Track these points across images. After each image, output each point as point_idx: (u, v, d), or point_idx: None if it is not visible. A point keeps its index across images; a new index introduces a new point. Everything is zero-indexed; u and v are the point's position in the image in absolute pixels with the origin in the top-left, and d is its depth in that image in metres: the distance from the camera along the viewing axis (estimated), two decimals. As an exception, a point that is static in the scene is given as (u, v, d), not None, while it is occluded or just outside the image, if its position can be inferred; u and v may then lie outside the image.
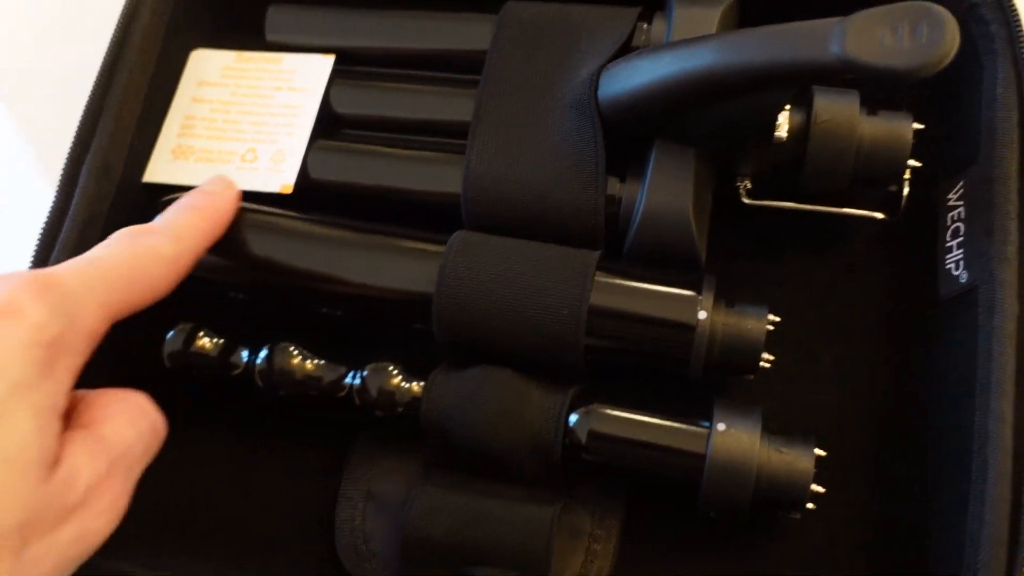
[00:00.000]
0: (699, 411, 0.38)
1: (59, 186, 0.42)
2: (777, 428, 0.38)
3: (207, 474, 0.44)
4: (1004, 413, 0.35)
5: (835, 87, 0.40)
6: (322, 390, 0.41)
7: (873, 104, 0.40)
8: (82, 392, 0.36)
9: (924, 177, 0.41)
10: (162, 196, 0.43)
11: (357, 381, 0.41)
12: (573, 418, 0.38)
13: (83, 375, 0.36)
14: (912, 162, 0.40)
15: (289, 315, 0.43)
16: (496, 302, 0.38)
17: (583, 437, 0.38)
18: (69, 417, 0.35)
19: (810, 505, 0.37)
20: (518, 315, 0.38)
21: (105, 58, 0.43)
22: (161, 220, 0.39)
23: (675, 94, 0.37)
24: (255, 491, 0.43)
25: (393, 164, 0.44)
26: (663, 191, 0.39)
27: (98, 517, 0.32)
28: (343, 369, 0.41)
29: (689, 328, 0.37)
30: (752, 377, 0.39)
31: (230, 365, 0.42)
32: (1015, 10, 0.39)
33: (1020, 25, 0.39)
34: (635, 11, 0.42)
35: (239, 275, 0.42)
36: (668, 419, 0.38)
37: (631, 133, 0.40)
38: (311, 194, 0.44)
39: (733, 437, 0.37)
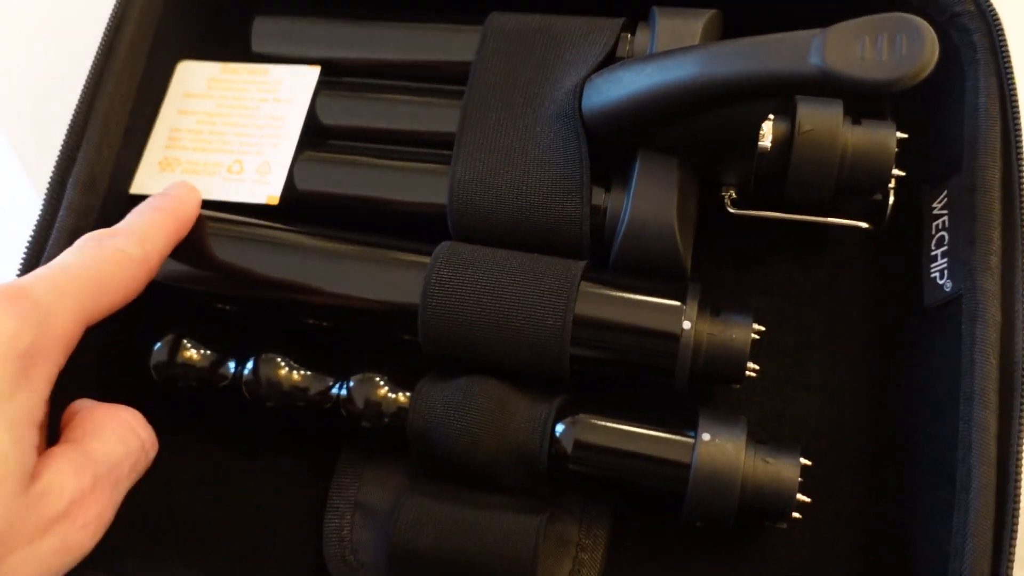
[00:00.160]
0: (684, 420, 0.38)
1: (45, 198, 0.42)
2: (762, 437, 0.38)
3: (196, 484, 0.44)
4: (987, 423, 0.35)
5: (818, 97, 0.40)
6: (309, 401, 0.41)
7: (857, 114, 0.40)
8: (76, 405, 0.36)
9: (909, 186, 0.41)
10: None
11: (343, 392, 0.41)
12: (559, 428, 0.38)
13: (70, 388, 0.36)
14: (896, 171, 0.40)
15: (276, 326, 0.43)
16: (482, 313, 0.38)
17: (569, 447, 0.38)
18: (60, 431, 0.35)
19: (796, 515, 0.37)
20: (504, 326, 0.38)
21: (91, 70, 0.43)
22: (126, 223, 0.39)
23: (658, 105, 0.37)
24: (243, 501, 0.43)
25: (379, 175, 0.44)
26: (648, 201, 0.39)
27: (81, 530, 0.33)
28: (330, 380, 0.41)
29: (673, 338, 0.37)
30: (738, 386, 0.39)
31: (217, 377, 0.42)
32: (997, 19, 0.39)
33: (1003, 35, 0.39)
34: (619, 22, 0.42)
35: (225, 288, 0.42)
36: (653, 429, 0.38)
37: (616, 143, 0.40)
38: (297, 205, 0.44)
39: (718, 447, 0.37)
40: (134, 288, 0.37)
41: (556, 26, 0.43)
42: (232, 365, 0.42)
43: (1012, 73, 0.39)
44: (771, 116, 0.40)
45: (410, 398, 0.40)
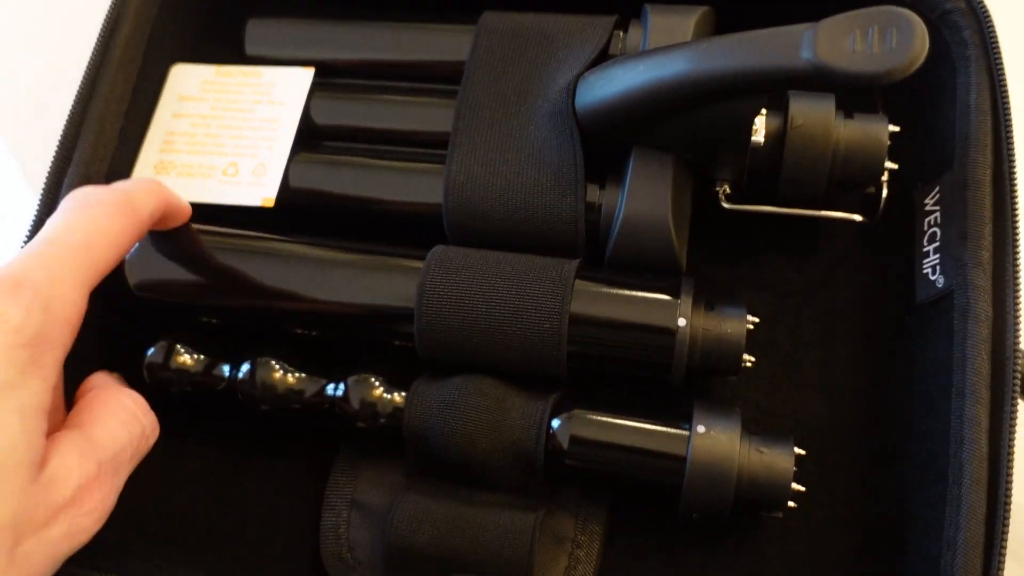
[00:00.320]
0: (679, 413, 0.38)
1: (41, 199, 0.42)
2: (756, 430, 0.38)
3: (194, 485, 0.44)
4: (979, 418, 0.35)
5: (810, 91, 0.40)
6: (304, 403, 0.41)
7: (849, 108, 0.41)
8: (80, 390, 0.37)
9: (902, 182, 0.42)
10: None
11: (339, 393, 0.41)
12: (555, 424, 0.38)
13: (68, 391, 0.36)
14: (889, 164, 0.40)
15: (271, 333, 0.43)
16: (477, 318, 0.38)
17: (565, 442, 0.38)
18: (63, 416, 0.35)
19: (791, 504, 0.37)
20: (499, 331, 0.38)
21: (86, 71, 0.43)
22: (106, 186, 0.38)
23: (651, 101, 0.37)
24: (241, 501, 0.43)
25: (374, 176, 0.44)
26: (642, 198, 0.39)
27: (87, 515, 0.33)
28: (325, 381, 0.41)
29: (669, 333, 0.37)
30: (735, 378, 0.39)
31: (212, 380, 0.42)
32: (988, 16, 0.40)
33: (993, 31, 0.39)
34: (611, 20, 0.43)
35: (218, 300, 0.42)
36: (648, 423, 0.38)
37: (609, 140, 0.40)
38: (293, 208, 0.44)
39: (713, 439, 0.37)
40: (126, 242, 0.36)
41: (549, 25, 0.43)
42: (227, 369, 0.42)
43: (1003, 69, 0.39)
44: (764, 111, 0.40)
45: (405, 398, 0.40)
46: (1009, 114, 0.39)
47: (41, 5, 0.59)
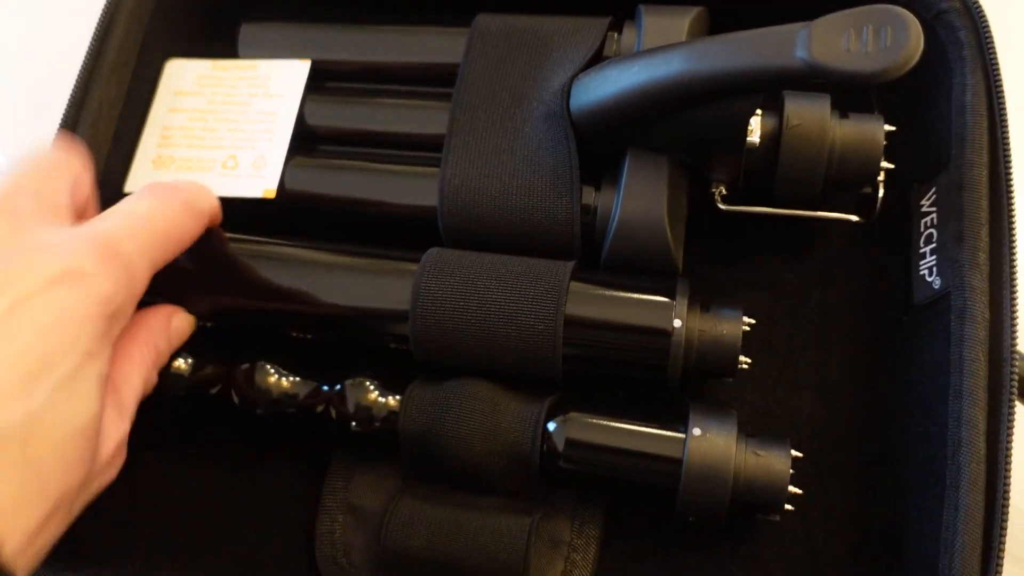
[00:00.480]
0: (675, 416, 0.38)
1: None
2: (753, 431, 0.38)
3: (190, 490, 0.43)
4: (976, 420, 0.35)
5: (806, 91, 0.40)
6: (299, 406, 0.41)
7: (845, 108, 0.41)
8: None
9: (898, 183, 0.41)
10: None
11: (334, 396, 0.40)
12: (550, 426, 0.38)
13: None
14: (885, 164, 0.40)
15: (266, 337, 0.43)
16: (472, 320, 0.38)
17: (560, 445, 0.38)
18: None
19: (788, 506, 0.37)
20: (494, 333, 0.38)
21: (80, 74, 0.43)
22: (181, 181, 0.38)
23: (645, 102, 0.37)
24: (237, 506, 0.43)
25: (369, 178, 0.44)
26: (637, 199, 0.39)
27: (113, 471, 0.34)
28: (320, 385, 0.41)
29: (665, 334, 0.37)
30: (731, 380, 0.39)
31: (207, 383, 0.42)
32: (983, 16, 0.39)
33: (989, 31, 0.39)
34: (605, 21, 0.43)
35: (212, 303, 0.41)
36: (644, 425, 0.38)
37: (605, 142, 0.40)
38: (289, 209, 0.44)
39: (709, 441, 0.37)
40: (188, 243, 0.37)
41: (543, 27, 0.43)
42: (221, 372, 0.42)
43: (998, 70, 0.39)
44: (759, 111, 0.40)
45: (400, 401, 0.40)
46: (1005, 115, 0.39)
47: (41, 5, 0.59)
